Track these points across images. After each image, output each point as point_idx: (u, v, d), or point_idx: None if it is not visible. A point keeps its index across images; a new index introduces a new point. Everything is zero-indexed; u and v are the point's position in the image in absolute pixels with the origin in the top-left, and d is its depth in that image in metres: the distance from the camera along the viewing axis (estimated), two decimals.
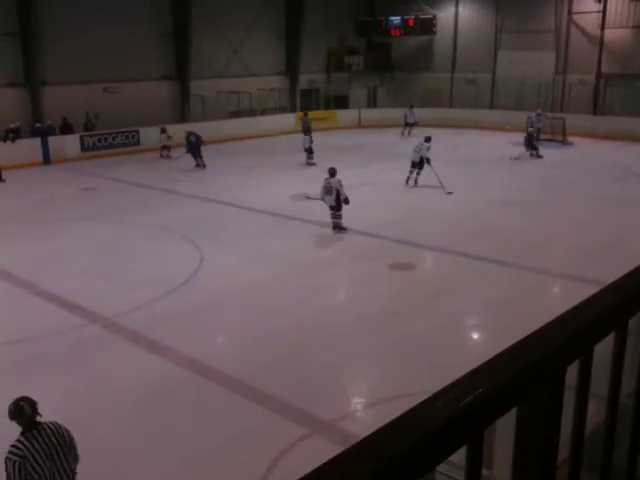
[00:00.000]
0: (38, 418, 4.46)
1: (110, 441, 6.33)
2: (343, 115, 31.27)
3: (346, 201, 13.24)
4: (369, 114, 31.53)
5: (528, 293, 10.06)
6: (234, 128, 26.79)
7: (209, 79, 27.65)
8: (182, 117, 27.17)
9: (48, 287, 10.33)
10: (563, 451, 1.13)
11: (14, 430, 4.66)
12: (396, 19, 32.12)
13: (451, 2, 31.88)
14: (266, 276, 10.83)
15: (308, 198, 15.08)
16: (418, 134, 27.85)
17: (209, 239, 12.93)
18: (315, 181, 18.41)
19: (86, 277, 10.92)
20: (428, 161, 17.05)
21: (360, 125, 30.44)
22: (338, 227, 13.41)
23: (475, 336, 9.17)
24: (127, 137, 24.00)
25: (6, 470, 4.25)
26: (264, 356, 7.99)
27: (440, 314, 9.26)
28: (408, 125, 28.22)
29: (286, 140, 27.16)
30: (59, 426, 4.58)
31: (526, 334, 1.06)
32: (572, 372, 1.11)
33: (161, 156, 22.68)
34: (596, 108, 28.11)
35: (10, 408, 4.44)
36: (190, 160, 21.08)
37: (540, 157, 22.21)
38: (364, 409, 7.05)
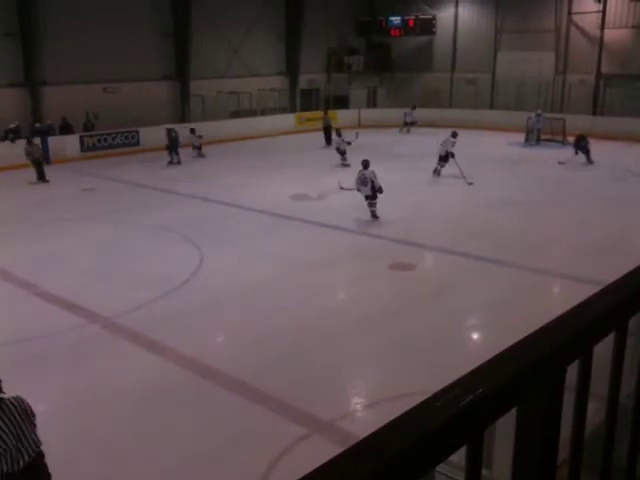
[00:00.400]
0: (0, 395, 4.44)
1: (110, 441, 6.33)
2: (343, 115, 31.25)
3: (380, 190, 13.97)
4: (369, 114, 31.54)
5: (528, 293, 10.06)
6: (234, 128, 26.81)
7: (209, 79, 27.66)
8: (182, 117, 27.18)
9: (48, 287, 10.33)
10: (563, 451, 1.13)
11: None
12: (396, 19, 32.14)
13: (451, 2, 31.89)
14: (266, 276, 10.83)
15: (342, 189, 15.46)
16: (415, 133, 27.97)
17: (209, 239, 12.93)
18: (315, 181, 18.48)
19: (86, 277, 10.92)
20: (452, 155, 18.10)
21: (360, 125, 30.41)
22: (374, 215, 14.21)
23: (475, 336, 9.17)
24: (127, 137, 24.00)
25: None
26: (264, 356, 7.98)
27: (440, 314, 9.26)
28: (407, 124, 28.82)
29: (286, 140, 27.18)
30: (21, 400, 4.59)
31: (526, 334, 1.06)
32: (572, 372, 1.11)
33: (201, 155, 23.11)
34: (596, 108, 28.11)
35: None
36: (190, 160, 21.10)
37: (590, 163, 20.38)
38: (364, 409, 7.04)
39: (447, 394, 0.89)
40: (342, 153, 20.77)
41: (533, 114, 25.46)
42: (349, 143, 20.34)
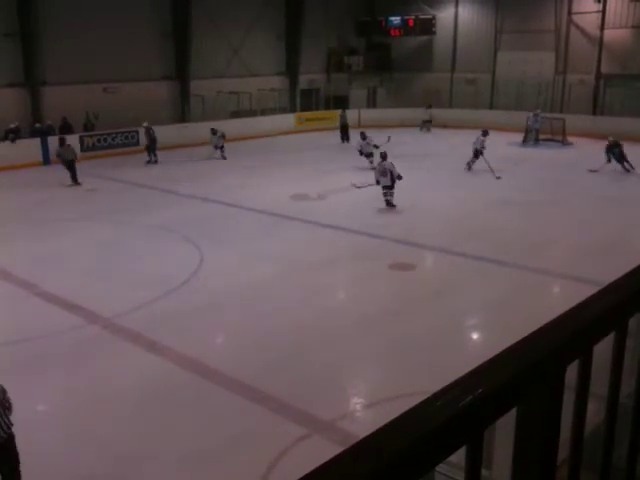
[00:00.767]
0: None
1: (110, 441, 6.33)
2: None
3: (399, 177, 15.20)
4: (369, 114, 31.50)
5: (528, 293, 10.06)
6: (234, 128, 26.75)
7: (209, 79, 27.66)
8: (182, 117, 27.18)
9: (48, 287, 10.33)
10: (563, 451, 1.13)
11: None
12: (396, 19, 32.13)
13: (451, 2, 31.89)
14: (266, 276, 10.83)
15: (357, 187, 16.09)
16: (414, 133, 27.97)
17: (209, 239, 12.93)
18: (315, 181, 18.49)
19: (86, 277, 10.92)
20: (481, 152, 19.30)
21: (360, 125, 30.33)
22: (391, 204, 15.26)
23: (475, 336, 9.17)
24: (127, 137, 23.99)
25: None
26: (264, 356, 7.99)
27: (440, 314, 9.26)
28: (425, 122, 29.18)
29: (286, 140, 27.18)
30: (2, 391, 4.73)
31: (526, 334, 1.06)
32: (572, 372, 1.11)
33: (224, 158, 22.30)
34: (596, 108, 28.11)
35: None
36: (191, 161, 21.11)
37: (628, 170, 18.82)
38: (364, 409, 7.05)
39: (447, 394, 0.89)
40: (367, 156, 20.01)
41: (531, 114, 25.46)
42: (376, 146, 19.37)
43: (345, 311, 9.59)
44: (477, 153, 19.50)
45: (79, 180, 18.41)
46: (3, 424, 5.12)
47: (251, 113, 28.96)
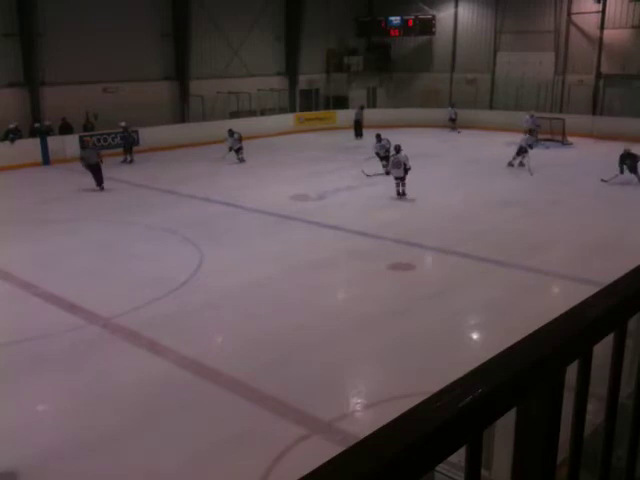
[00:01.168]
0: None
1: (110, 441, 6.33)
2: (343, 115, 31.26)
3: (409, 168, 16.31)
4: (368, 114, 31.46)
5: (528, 293, 10.06)
6: (234, 128, 26.76)
7: (209, 79, 27.66)
8: (182, 117, 27.18)
9: (48, 287, 10.33)
10: (563, 451, 1.13)
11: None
12: (395, 19, 32.12)
13: (450, 3, 31.89)
14: (266, 276, 10.83)
15: (367, 176, 16.76)
16: (416, 133, 27.95)
17: (209, 239, 12.94)
18: (315, 181, 18.50)
19: (86, 277, 10.92)
20: (526, 150, 20.12)
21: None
22: (403, 194, 16.32)
23: (475, 336, 9.17)
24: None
25: None
26: (264, 356, 7.99)
27: (440, 314, 9.26)
28: (452, 121, 29.06)
29: (286, 140, 27.18)
30: None
31: (526, 334, 1.06)
32: (572, 372, 1.11)
33: (240, 160, 21.55)
34: (595, 108, 28.12)
35: None
36: (191, 161, 21.10)
37: None
38: (364, 409, 7.05)
39: (447, 394, 0.89)
40: (381, 159, 19.43)
41: (527, 115, 25.50)
42: (387, 150, 19.05)
43: (345, 311, 9.59)
44: (521, 151, 20.12)
45: (104, 185, 17.65)
46: None
47: (251, 113, 28.96)
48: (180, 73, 27.03)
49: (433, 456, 0.84)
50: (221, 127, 25.64)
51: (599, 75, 27.88)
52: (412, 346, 8.27)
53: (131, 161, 21.84)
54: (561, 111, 28.30)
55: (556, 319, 1.11)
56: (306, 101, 32.34)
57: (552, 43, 29.05)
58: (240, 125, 27.31)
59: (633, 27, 26.95)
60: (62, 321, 9.08)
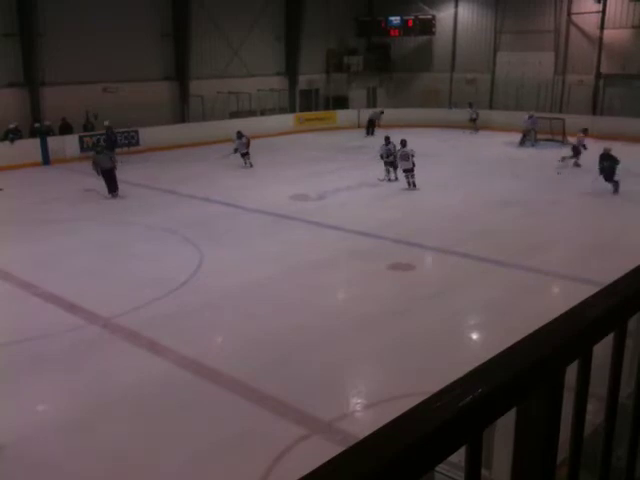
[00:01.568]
0: None
1: (110, 441, 6.33)
2: (342, 115, 31.28)
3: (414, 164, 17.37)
4: (368, 114, 31.52)
5: (528, 293, 10.06)
6: (234, 129, 26.76)
7: (209, 79, 27.67)
8: (182, 117, 27.19)
9: (48, 287, 10.33)
10: (563, 451, 1.13)
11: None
12: (395, 19, 32.13)
13: (450, 3, 31.90)
14: (266, 276, 10.83)
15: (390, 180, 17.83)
16: (417, 133, 27.93)
17: (209, 239, 12.94)
18: (315, 181, 18.49)
19: (86, 277, 10.92)
20: (579, 150, 20.14)
21: (359, 125, 30.43)
22: (414, 185, 17.29)
23: (475, 336, 9.17)
24: (127, 137, 23.99)
25: None
26: (264, 356, 7.99)
27: (440, 314, 9.26)
28: (473, 121, 28.74)
29: (286, 140, 27.18)
30: None
31: (526, 334, 1.06)
32: (572, 372, 1.11)
33: (246, 164, 20.93)
34: (595, 108, 28.13)
35: None
36: (191, 161, 21.09)
37: (614, 191, 16.68)
38: (364, 409, 7.05)
39: (447, 394, 0.89)
40: (385, 163, 18.71)
41: (526, 116, 25.51)
42: (392, 155, 18.43)
43: (345, 311, 9.59)
44: (576, 150, 20.14)
45: (118, 193, 16.85)
46: None
47: (251, 113, 28.96)
48: (180, 73, 27.04)
49: (433, 456, 0.84)
50: (221, 127, 25.71)
51: (599, 75, 27.89)
52: (412, 346, 8.27)
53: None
54: (561, 111, 28.31)
55: (556, 319, 1.11)
56: (306, 101, 32.35)
57: (552, 43, 29.05)
58: (240, 125, 27.28)
59: (633, 27, 26.95)
60: (62, 321, 9.08)
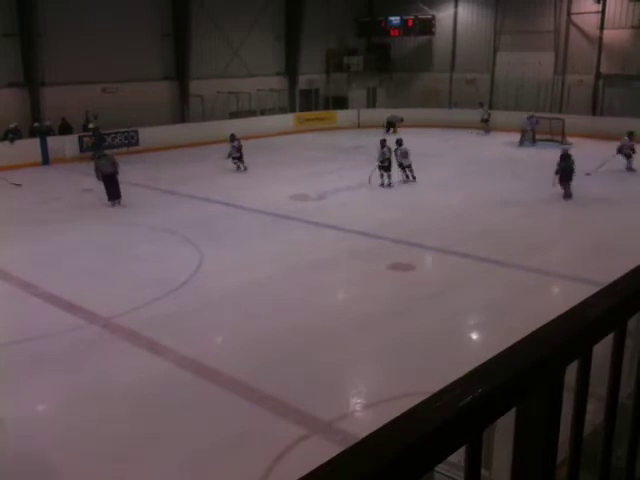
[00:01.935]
0: None
1: (110, 441, 6.33)
2: (342, 115, 31.28)
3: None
4: (368, 114, 31.52)
5: (528, 293, 10.06)
6: (234, 128, 26.71)
7: (209, 79, 27.67)
8: (182, 118, 27.18)
9: (48, 288, 10.33)
10: (562, 451, 1.13)
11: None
12: (395, 19, 32.13)
13: (450, 3, 31.90)
14: (266, 276, 10.83)
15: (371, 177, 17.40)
16: (417, 133, 27.95)
17: (209, 239, 12.94)
18: (315, 181, 18.48)
19: (86, 277, 10.92)
20: (622, 151, 19.92)
21: (359, 125, 30.44)
22: (414, 178, 18.11)
23: (475, 336, 9.17)
24: (126, 137, 23.99)
25: None
26: (264, 356, 7.99)
27: (440, 314, 9.26)
28: (484, 121, 28.30)
29: (285, 140, 27.18)
30: None
31: (526, 334, 1.06)
32: (572, 372, 1.11)
33: (238, 169, 20.17)
34: (595, 109, 28.12)
35: None
36: (191, 161, 21.07)
37: (565, 197, 16.10)
38: (364, 409, 7.05)
39: (446, 394, 0.89)
40: (379, 167, 17.97)
41: (525, 116, 25.52)
42: (387, 160, 17.85)
43: (345, 311, 9.59)
44: (626, 153, 19.90)
45: (120, 200, 15.95)
46: None
47: (250, 113, 28.97)
48: (180, 73, 27.04)
49: (433, 456, 0.84)
50: (221, 127, 25.69)
51: (599, 75, 27.88)
52: (412, 346, 8.27)
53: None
54: (561, 111, 28.30)
55: (556, 319, 1.11)
56: (306, 101, 32.34)
57: (552, 43, 29.05)
58: (240, 125, 27.33)
59: (633, 27, 26.95)
60: (62, 321, 9.08)
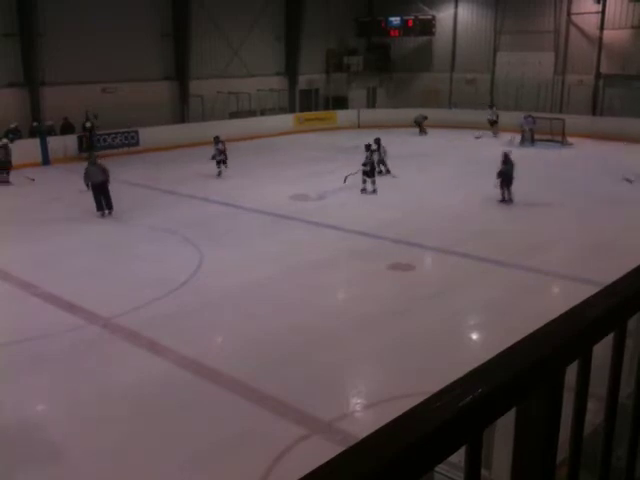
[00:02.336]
0: None
1: (110, 441, 6.33)
2: (342, 115, 31.28)
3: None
4: (368, 114, 31.54)
5: (528, 293, 10.06)
6: (234, 129, 26.79)
7: (209, 79, 27.67)
8: (182, 118, 27.18)
9: (48, 288, 10.33)
10: (562, 451, 1.13)
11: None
12: (395, 20, 32.13)
13: (450, 3, 31.91)
14: (266, 276, 10.83)
15: (347, 177, 17.10)
16: (416, 133, 27.97)
17: (209, 239, 12.94)
18: (315, 181, 18.49)
19: (86, 277, 10.92)
20: None
21: (359, 126, 30.44)
22: (388, 172, 18.68)
23: (475, 336, 9.17)
24: (126, 137, 23.99)
25: None
26: (264, 356, 7.99)
27: (440, 314, 9.26)
28: (493, 123, 27.62)
29: (285, 140, 27.18)
30: None
31: (526, 334, 1.06)
32: (572, 372, 1.11)
33: (219, 174, 19.40)
34: (595, 109, 28.13)
35: None
36: (190, 161, 21.04)
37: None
38: (364, 409, 7.05)
39: (446, 394, 0.89)
40: (363, 172, 17.03)
41: (522, 116, 25.52)
42: (370, 164, 17.17)
43: (345, 311, 9.59)
44: None
45: (112, 211, 14.84)
46: None
47: (250, 113, 28.97)
48: (180, 73, 27.03)
49: (433, 456, 0.84)
50: (221, 127, 25.66)
51: (599, 75, 27.89)
52: (412, 346, 8.27)
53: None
54: (561, 111, 28.30)
55: (556, 319, 1.11)
56: (306, 101, 32.34)
57: (552, 43, 29.05)
58: (240, 125, 27.39)
59: (633, 27, 26.95)
60: (62, 321, 9.08)
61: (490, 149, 24.36)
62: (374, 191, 16.89)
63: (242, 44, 29.01)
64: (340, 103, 32.65)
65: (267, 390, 7.14)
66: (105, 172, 14.94)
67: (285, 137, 27.86)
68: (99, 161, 15.64)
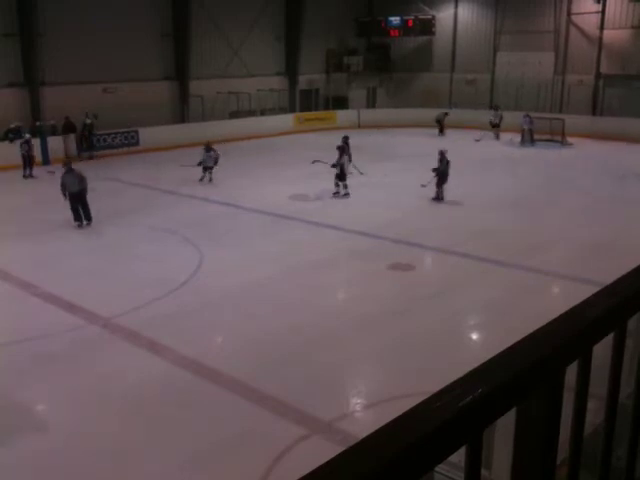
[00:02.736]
0: None
1: (110, 441, 6.33)
2: (342, 115, 31.28)
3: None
4: (368, 114, 31.55)
5: (528, 293, 10.06)
6: (234, 129, 26.80)
7: (209, 79, 27.67)
8: (182, 118, 27.18)
9: (48, 288, 10.32)
10: (562, 451, 1.13)
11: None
12: (395, 20, 32.13)
13: (450, 3, 31.91)
14: (266, 276, 10.83)
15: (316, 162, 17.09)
16: (416, 134, 27.93)
17: (209, 239, 12.94)
18: (315, 181, 18.47)
19: (86, 278, 10.92)
20: None
21: (360, 126, 30.44)
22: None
23: (475, 336, 9.17)
24: (126, 137, 23.99)
25: None
26: (264, 356, 7.99)
27: (440, 314, 9.26)
28: (495, 126, 27.16)
29: (285, 140, 27.18)
30: None
31: (526, 334, 1.06)
32: (572, 372, 1.11)
33: (201, 179, 18.65)
34: (595, 109, 28.13)
35: None
36: (188, 161, 21.02)
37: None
38: (364, 409, 7.05)
39: (446, 394, 0.89)
40: (336, 176, 16.64)
41: (522, 116, 25.53)
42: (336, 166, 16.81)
43: (345, 311, 9.59)
44: None
45: (90, 222, 14.02)
46: None
47: (250, 113, 28.97)
48: (180, 73, 27.03)
49: (433, 456, 0.84)
50: (221, 127, 25.70)
51: (599, 75, 27.89)
52: (412, 346, 8.27)
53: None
54: (561, 111, 28.30)
55: (556, 319, 1.11)
56: (306, 101, 32.34)
57: (552, 43, 29.06)
58: (240, 125, 27.40)
59: (633, 27, 26.95)
60: (62, 321, 9.08)
61: (490, 149, 24.39)
62: (346, 194, 16.45)
63: (242, 44, 29.01)
64: (340, 103, 32.65)
65: (267, 390, 7.14)
66: (83, 181, 14.01)
67: (285, 137, 27.86)
68: (75, 167, 14.74)
